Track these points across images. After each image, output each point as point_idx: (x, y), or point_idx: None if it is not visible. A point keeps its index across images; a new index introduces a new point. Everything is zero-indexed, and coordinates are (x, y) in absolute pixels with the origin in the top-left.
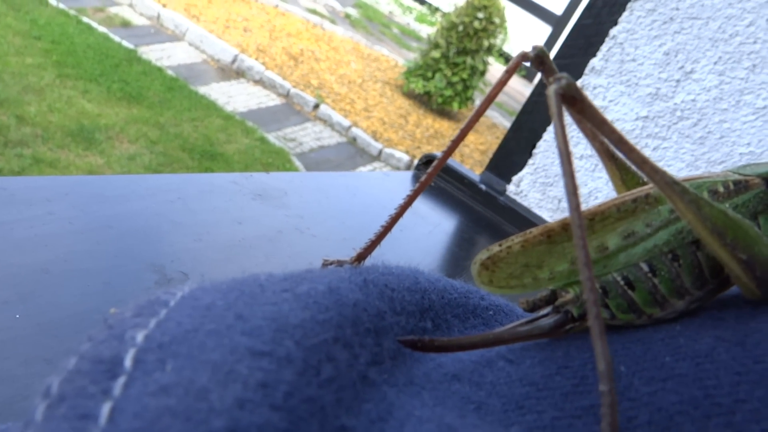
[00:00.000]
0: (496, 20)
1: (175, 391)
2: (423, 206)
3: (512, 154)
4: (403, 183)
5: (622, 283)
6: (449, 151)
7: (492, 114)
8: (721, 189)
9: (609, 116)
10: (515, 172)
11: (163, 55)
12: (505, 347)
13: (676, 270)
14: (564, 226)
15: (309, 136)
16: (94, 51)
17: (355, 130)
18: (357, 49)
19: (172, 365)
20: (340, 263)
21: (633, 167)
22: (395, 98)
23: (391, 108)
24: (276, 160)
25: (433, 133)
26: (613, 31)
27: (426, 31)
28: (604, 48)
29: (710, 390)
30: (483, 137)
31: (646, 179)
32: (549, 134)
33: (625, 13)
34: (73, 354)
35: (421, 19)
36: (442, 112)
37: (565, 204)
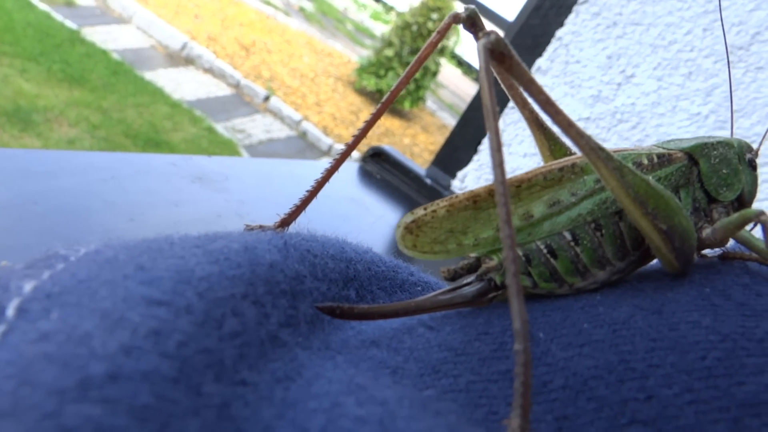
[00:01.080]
0: None
1: (55, 337)
2: (368, 198)
3: (458, 150)
4: (349, 173)
5: (545, 251)
6: (387, 102)
7: (443, 115)
8: (645, 161)
9: None
10: (460, 168)
11: (108, 38)
12: (427, 315)
13: (598, 239)
14: (490, 192)
15: (258, 128)
16: (34, 29)
17: (305, 125)
18: (310, 43)
19: (58, 314)
20: (262, 228)
21: (559, 131)
22: (347, 94)
23: (342, 104)
24: (224, 150)
25: (384, 131)
26: (559, 33)
27: (380, 29)
28: (550, 48)
29: (625, 355)
30: (433, 137)
31: (571, 143)
32: None
33: (571, 16)
34: None
35: (375, 16)
36: (394, 110)
37: None
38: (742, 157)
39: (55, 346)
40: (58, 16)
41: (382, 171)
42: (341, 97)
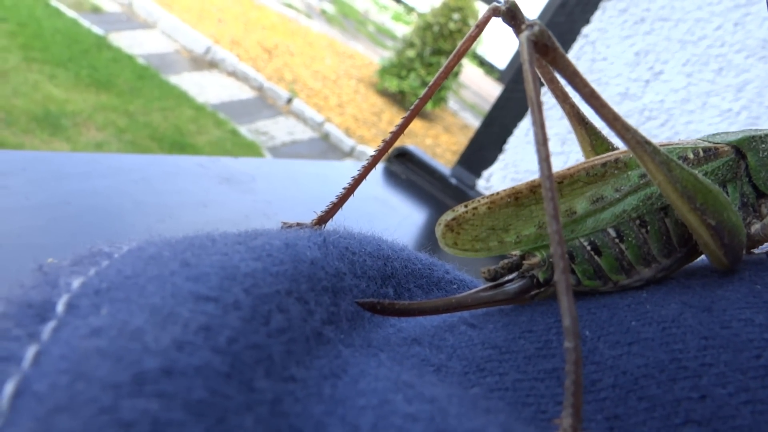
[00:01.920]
0: (471, 22)
1: (107, 332)
2: (393, 198)
3: (483, 149)
4: (374, 173)
5: (588, 248)
6: (426, 96)
7: (465, 116)
8: (690, 156)
9: None
10: (485, 167)
11: (134, 43)
12: (467, 313)
13: (643, 236)
14: (532, 189)
15: (281, 130)
16: (62, 35)
17: (328, 126)
18: (332, 45)
19: (107, 309)
20: (300, 225)
21: (602, 125)
22: (369, 96)
23: (364, 105)
24: (248, 153)
25: (406, 132)
26: (585, 30)
27: (401, 30)
28: (576, 46)
29: (677, 354)
30: (455, 138)
31: (616, 137)
32: (519, 130)
33: (598, 12)
34: (1, 300)
35: (396, 18)
36: None
37: None
38: None
39: (108, 341)
40: (85, 23)
41: (407, 171)
42: (363, 99)
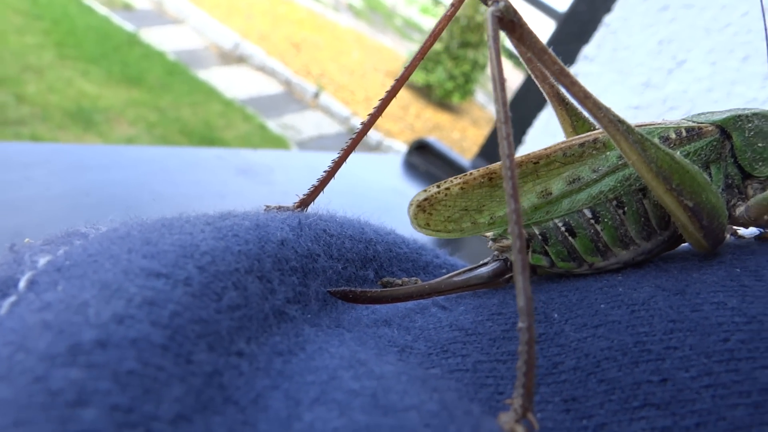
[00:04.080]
0: None
1: (56, 307)
2: (412, 190)
3: None
4: (393, 165)
5: (563, 229)
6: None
7: (493, 109)
8: (673, 135)
9: None
10: None
11: (164, 39)
12: (442, 296)
13: (620, 217)
14: None
15: (308, 124)
16: (95, 32)
17: (355, 120)
18: (359, 39)
19: (63, 285)
20: (280, 208)
21: (575, 102)
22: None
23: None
24: (275, 147)
25: (433, 126)
26: (607, 19)
27: (429, 23)
28: (597, 35)
29: (642, 336)
30: (483, 131)
31: (589, 116)
32: (539, 122)
33: (620, 0)
34: None
35: (424, 10)
36: (443, 104)
37: None
38: None
39: (54, 314)
40: (117, 19)
41: (426, 163)
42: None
